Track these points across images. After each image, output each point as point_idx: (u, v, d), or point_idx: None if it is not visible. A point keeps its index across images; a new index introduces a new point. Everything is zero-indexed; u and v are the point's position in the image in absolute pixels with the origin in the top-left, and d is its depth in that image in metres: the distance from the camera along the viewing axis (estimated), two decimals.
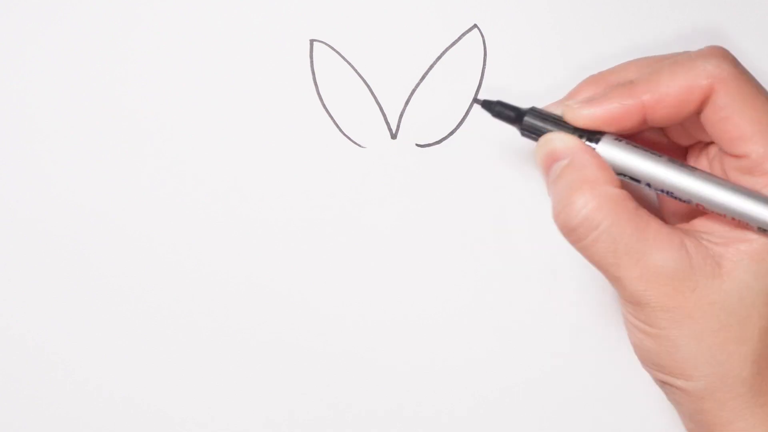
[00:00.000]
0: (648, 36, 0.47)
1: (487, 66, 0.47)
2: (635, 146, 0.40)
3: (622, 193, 0.39)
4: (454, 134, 0.47)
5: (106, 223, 0.47)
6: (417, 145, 0.48)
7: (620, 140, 0.40)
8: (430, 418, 0.48)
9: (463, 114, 0.47)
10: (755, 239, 0.38)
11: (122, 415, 0.48)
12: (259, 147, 0.47)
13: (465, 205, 0.47)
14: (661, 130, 0.44)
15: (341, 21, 0.47)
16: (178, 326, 0.48)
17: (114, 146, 0.47)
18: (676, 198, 0.40)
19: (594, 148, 0.40)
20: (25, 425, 0.48)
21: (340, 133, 0.47)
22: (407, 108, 0.47)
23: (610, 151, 0.40)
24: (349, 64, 0.47)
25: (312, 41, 0.47)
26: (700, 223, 0.40)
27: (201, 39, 0.47)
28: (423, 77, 0.47)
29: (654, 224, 0.39)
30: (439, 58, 0.47)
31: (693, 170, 0.40)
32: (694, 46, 0.47)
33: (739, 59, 0.40)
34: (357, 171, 0.47)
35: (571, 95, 0.43)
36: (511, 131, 0.47)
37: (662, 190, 0.40)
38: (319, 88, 0.47)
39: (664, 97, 0.39)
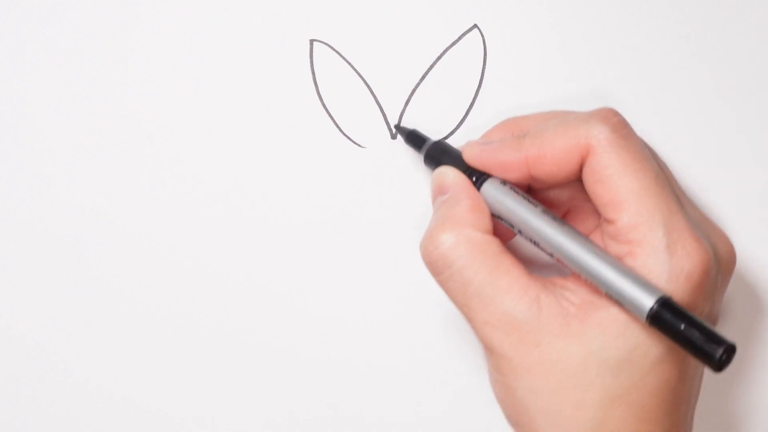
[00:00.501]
0: (648, 36, 0.47)
1: (487, 66, 0.47)
2: (515, 193, 0.41)
3: (484, 238, 0.40)
4: (454, 134, 0.48)
5: (106, 223, 0.47)
6: None
7: (505, 185, 0.41)
8: (431, 418, 0.48)
9: (463, 114, 0.47)
10: (608, 308, 0.38)
11: (122, 415, 0.48)
12: (259, 147, 0.47)
13: None
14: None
15: (341, 21, 0.47)
16: (178, 326, 0.48)
17: (114, 146, 0.47)
18: (542, 250, 0.40)
19: (479, 189, 0.42)
20: (25, 425, 0.48)
21: (340, 133, 0.47)
22: (407, 108, 0.47)
23: (490, 193, 0.41)
24: (349, 64, 0.47)
25: (312, 41, 0.47)
26: (569, 281, 0.40)
27: (201, 39, 0.47)
28: (423, 77, 0.47)
29: (513, 272, 0.39)
30: (439, 58, 0.47)
31: (561, 225, 0.40)
32: (694, 47, 0.47)
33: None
34: (357, 171, 0.47)
35: (484, 134, 0.44)
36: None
37: (530, 239, 0.40)
38: (319, 88, 0.47)
39: (546, 155, 0.40)
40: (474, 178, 0.42)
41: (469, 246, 0.39)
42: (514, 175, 0.41)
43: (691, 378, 0.40)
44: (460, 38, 0.47)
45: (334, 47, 0.47)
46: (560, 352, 0.38)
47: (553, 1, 0.47)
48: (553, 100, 0.47)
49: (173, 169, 0.47)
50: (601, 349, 0.38)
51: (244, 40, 0.47)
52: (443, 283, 0.40)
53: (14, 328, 0.48)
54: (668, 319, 0.35)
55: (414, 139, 0.46)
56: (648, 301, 0.36)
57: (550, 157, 0.40)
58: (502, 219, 0.41)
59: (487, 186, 0.42)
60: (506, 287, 0.39)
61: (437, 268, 0.40)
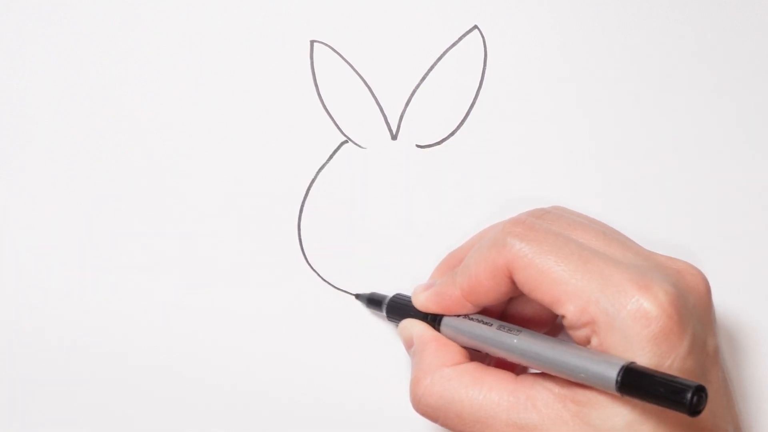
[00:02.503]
0: (648, 36, 0.47)
1: (487, 67, 0.47)
2: (470, 320, 0.42)
3: (457, 370, 0.41)
4: (454, 135, 0.48)
5: (105, 223, 0.47)
6: (417, 145, 0.48)
7: (458, 316, 0.42)
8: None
9: (464, 115, 0.47)
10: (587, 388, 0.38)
11: (123, 415, 0.48)
12: (259, 147, 0.47)
13: (465, 206, 0.47)
14: None
15: (341, 21, 0.47)
16: (178, 325, 0.48)
17: (114, 146, 0.47)
18: (511, 362, 0.41)
19: (438, 329, 0.43)
20: (24, 426, 0.48)
21: (340, 133, 0.47)
22: (407, 109, 0.47)
23: (449, 329, 0.43)
24: (349, 64, 0.47)
25: (312, 42, 0.47)
26: None
27: (201, 39, 0.47)
28: (423, 78, 0.47)
29: (498, 386, 0.40)
30: (439, 58, 0.47)
31: (516, 334, 0.40)
32: (694, 47, 0.47)
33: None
34: (357, 171, 0.47)
35: (432, 274, 0.46)
36: (512, 134, 0.48)
37: (496, 357, 0.41)
38: (319, 89, 0.47)
39: (476, 286, 0.41)
40: (433, 320, 0.43)
41: (446, 384, 0.41)
42: (460, 311, 0.42)
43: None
44: (460, 39, 0.47)
45: (335, 48, 0.47)
46: None
47: (553, 1, 0.47)
48: (553, 100, 0.47)
49: (173, 169, 0.47)
50: (605, 422, 0.38)
51: (244, 41, 0.47)
52: (444, 426, 0.41)
53: (14, 328, 0.48)
54: (634, 384, 0.36)
55: (373, 302, 0.47)
56: (611, 375, 0.36)
57: (480, 287, 0.41)
58: (467, 348, 0.42)
59: (445, 323, 0.43)
60: (497, 402, 0.40)
61: (431, 417, 0.41)
